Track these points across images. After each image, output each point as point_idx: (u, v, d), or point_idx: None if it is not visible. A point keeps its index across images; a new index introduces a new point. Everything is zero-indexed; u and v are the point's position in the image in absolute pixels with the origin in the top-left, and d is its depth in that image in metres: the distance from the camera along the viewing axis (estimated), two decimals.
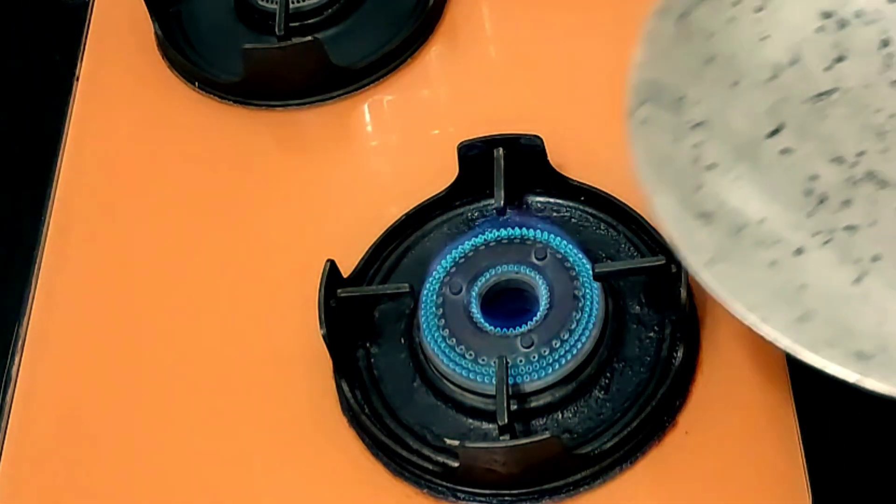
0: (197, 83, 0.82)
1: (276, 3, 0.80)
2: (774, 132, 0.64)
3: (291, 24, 0.80)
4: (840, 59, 0.67)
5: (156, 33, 0.83)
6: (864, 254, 0.60)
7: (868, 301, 0.58)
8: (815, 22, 0.67)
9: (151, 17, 0.83)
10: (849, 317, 0.56)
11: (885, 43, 0.67)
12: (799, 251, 0.59)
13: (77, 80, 0.84)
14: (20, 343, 0.73)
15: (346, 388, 0.64)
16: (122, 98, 0.83)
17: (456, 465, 0.61)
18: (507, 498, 0.62)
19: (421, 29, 0.80)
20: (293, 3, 0.82)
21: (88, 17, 0.87)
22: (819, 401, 0.64)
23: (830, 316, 0.56)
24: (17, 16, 0.93)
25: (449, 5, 0.83)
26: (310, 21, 0.82)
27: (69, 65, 0.84)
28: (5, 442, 0.70)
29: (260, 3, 0.83)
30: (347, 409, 0.64)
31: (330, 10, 0.83)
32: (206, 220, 0.76)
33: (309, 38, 0.78)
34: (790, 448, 0.63)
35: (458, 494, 0.62)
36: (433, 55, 0.81)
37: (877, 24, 0.68)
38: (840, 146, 0.64)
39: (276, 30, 0.79)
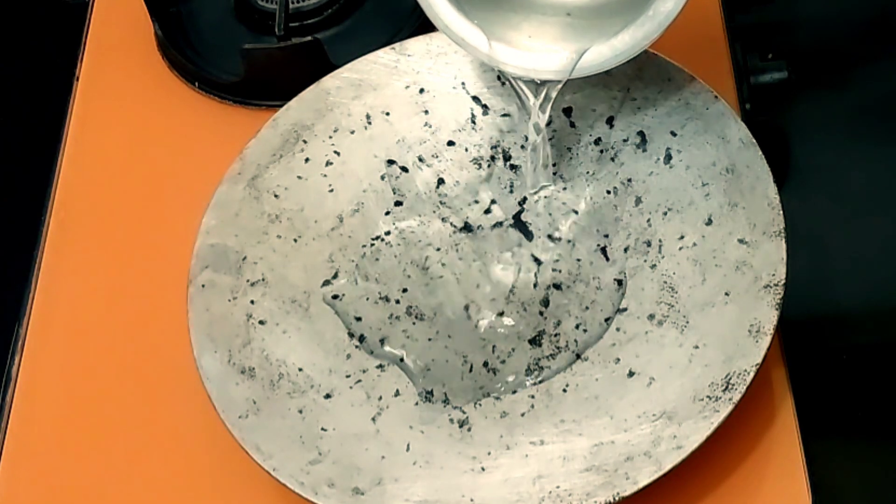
0: (197, 83, 0.82)
1: (276, 3, 0.80)
2: (329, 280, 0.68)
3: (291, 24, 0.80)
4: (399, 203, 0.71)
5: (156, 33, 0.83)
6: (387, 391, 0.65)
7: (378, 437, 0.63)
8: (379, 170, 0.72)
9: (151, 17, 0.83)
10: (356, 455, 0.61)
11: (441, 182, 0.72)
12: (328, 395, 0.64)
13: (77, 80, 0.84)
14: (20, 343, 0.73)
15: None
16: (122, 98, 0.83)
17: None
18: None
19: (421, 29, 0.80)
20: (293, 3, 0.82)
21: (88, 17, 0.87)
22: (819, 400, 0.64)
23: (340, 455, 0.61)
24: (17, 16, 0.93)
25: None
26: (310, 21, 0.82)
27: (69, 65, 0.84)
28: (5, 442, 0.70)
29: (260, 3, 0.83)
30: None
31: (330, 10, 0.83)
32: None
33: (309, 38, 0.78)
34: (790, 448, 0.63)
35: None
36: None
37: (434, 166, 0.72)
38: (387, 286, 0.69)
39: (276, 30, 0.79)
